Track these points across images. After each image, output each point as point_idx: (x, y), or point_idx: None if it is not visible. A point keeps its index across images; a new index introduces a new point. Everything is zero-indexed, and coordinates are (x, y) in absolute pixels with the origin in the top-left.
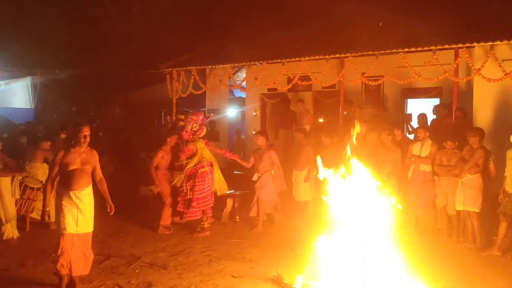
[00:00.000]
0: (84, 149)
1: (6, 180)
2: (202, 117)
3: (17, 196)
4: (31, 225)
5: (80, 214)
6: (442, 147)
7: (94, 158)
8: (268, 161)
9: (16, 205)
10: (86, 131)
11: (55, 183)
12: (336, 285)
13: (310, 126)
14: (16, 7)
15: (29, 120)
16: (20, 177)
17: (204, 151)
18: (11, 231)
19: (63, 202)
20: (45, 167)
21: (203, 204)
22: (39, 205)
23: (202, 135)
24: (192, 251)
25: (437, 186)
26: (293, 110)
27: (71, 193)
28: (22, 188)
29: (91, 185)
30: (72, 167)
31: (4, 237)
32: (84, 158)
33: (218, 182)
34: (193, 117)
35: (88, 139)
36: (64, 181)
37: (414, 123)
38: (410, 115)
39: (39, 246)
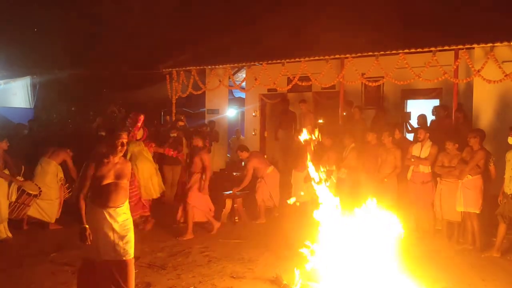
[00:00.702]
0: (118, 160)
1: (3, 182)
2: (137, 119)
3: (12, 199)
4: (29, 225)
5: (116, 236)
6: (443, 148)
7: (129, 171)
8: (198, 163)
9: (8, 208)
10: (125, 138)
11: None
12: (334, 286)
13: (312, 127)
14: (15, 6)
15: (30, 119)
16: (20, 183)
17: (139, 154)
18: (4, 232)
19: (95, 222)
20: (59, 168)
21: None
22: (42, 204)
23: (138, 137)
24: (191, 252)
25: (438, 189)
26: (292, 111)
27: (105, 212)
28: (19, 192)
29: (127, 202)
30: (106, 181)
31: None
32: (119, 170)
33: (144, 187)
34: (129, 119)
35: (125, 147)
36: (97, 197)
37: (413, 122)
38: (409, 113)
39: (37, 246)
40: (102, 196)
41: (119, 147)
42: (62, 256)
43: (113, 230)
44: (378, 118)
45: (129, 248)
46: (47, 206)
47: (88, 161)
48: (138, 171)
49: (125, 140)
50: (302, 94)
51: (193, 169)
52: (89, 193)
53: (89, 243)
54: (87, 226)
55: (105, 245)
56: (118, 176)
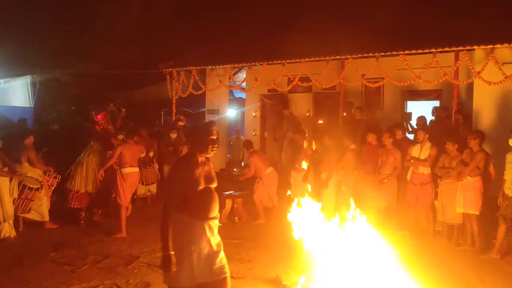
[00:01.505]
0: (205, 160)
1: (5, 179)
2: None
3: (15, 195)
4: (27, 224)
5: (212, 253)
6: (443, 149)
7: (214, 173)
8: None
9: (13, 205)
10: (215, 133)
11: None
12: (334, 286)
13: (295, 126)
14: (16, 6)
15: (20, 118)
16: (20, 178)
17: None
18: (8, 230)
19: (191, 239)
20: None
21: None
22: (36, 205)
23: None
24: None
25: (439, 191)
26: (291, 112)
27: (205, 225)
28: (21, 187)
29: None
30: (199, 187)
31: (1, 236)
32: (207, 171)
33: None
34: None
35: (217, 145)
36: (194, 208)
37: (414, 123)
38: (410, 113)
39: (36, 245)
40: (201, 206)
41: (210, 146)
42: (62, 255)
43: (210, 245)
44: (372, 120)
45: (225, 264)
46: (36, 206)
47: (174, 167)
48: (83, 164)
49: (215, 136)
50: (300, 95)
51: None
52: (179, 204)
53: (174, 271)
54: (172, 253)
55: (201, 266)
56: (208, 180)
